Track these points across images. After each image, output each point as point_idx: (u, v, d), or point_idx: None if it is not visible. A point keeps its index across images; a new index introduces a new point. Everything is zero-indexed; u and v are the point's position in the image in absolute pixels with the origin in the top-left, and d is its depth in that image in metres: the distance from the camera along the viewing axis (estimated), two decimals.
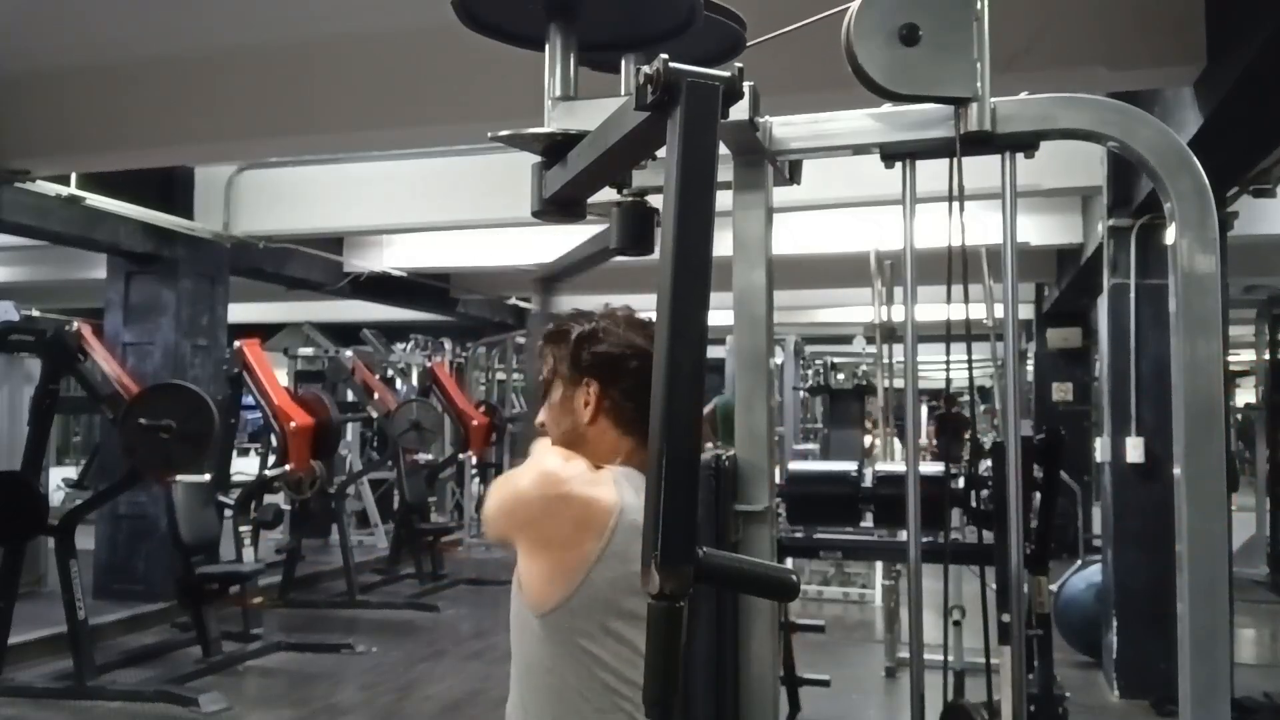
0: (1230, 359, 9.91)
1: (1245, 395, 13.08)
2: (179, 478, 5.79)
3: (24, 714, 5.31)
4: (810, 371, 11.00)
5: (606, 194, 1.71)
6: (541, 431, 1.76)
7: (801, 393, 9.85)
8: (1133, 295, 5.63)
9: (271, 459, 7.50)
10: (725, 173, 1.63)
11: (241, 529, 6.61)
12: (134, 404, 5.45)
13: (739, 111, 1.47)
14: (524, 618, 1.63)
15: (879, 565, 7.46)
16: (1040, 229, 7.77)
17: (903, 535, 2.20)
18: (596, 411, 1.69)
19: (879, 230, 6.56)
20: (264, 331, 9.64)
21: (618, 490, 1.58)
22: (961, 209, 1.58)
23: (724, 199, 1.27)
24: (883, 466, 2.72)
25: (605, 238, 1.79)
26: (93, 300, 8.69)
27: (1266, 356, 9.82)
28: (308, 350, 11.49)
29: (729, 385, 7.77)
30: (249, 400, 7.39)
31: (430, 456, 10.42)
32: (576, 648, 1.58)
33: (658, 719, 0.98)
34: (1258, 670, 6.26)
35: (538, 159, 1.63)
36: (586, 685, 1.58)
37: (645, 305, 1.45)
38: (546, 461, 1.64)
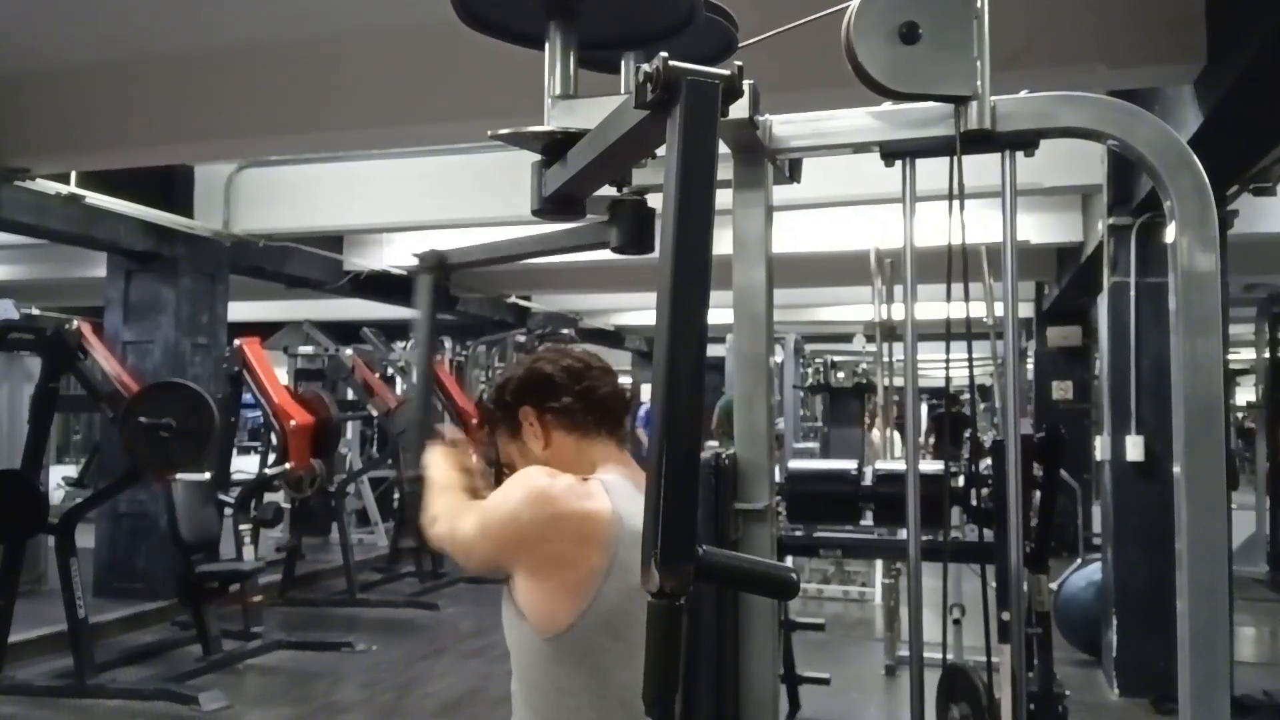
0: (1230, 357, 9.89)
1: (1245, 394, 13.09)
2: (179, 476, 5.78)
3: (24, 712, 5.31)
4: (810, 370, 10.98)
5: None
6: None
7: (801, 391, 9.85)
8: (1133, 293, 5.63)
9: (272, 457, 7.50)
10: (725, 171, 1.63)
11: (241, 527, 6.62)
12: (134, 402, 5.45)
13: (739, 110, 1.47)
14: (528, 643, 1.59)
15: (879, 563, 7.46)
16: (1040, 227, 7.76)
17: (902, 534, 2.20)
18: (545, 431, 1.70)
19: (879, 228, 6.56)
20: (264, 330, 9.65)
21: (611, 499, 1.55)
22: (962, 207, 1.58)
23: (724, 197, 1.27)
24: (882, 465, 2.71)
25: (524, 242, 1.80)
26: (93, 298, 8.69)
27: (1266, 355, 9.82)
28: (307, 349, 11.45)
29: (729, 384, 7.77)
30: (249, 398, 7.40)
31: None
32: (592, 667, 1.54)
33: (658, 719, 0.98)
34: (1257, 668, 6.26)
35: (537, 157, 1.63)
36: (600, 703, 1.55)
37: (644, 304, 1.45)
38: (531, 480, 1.59)
